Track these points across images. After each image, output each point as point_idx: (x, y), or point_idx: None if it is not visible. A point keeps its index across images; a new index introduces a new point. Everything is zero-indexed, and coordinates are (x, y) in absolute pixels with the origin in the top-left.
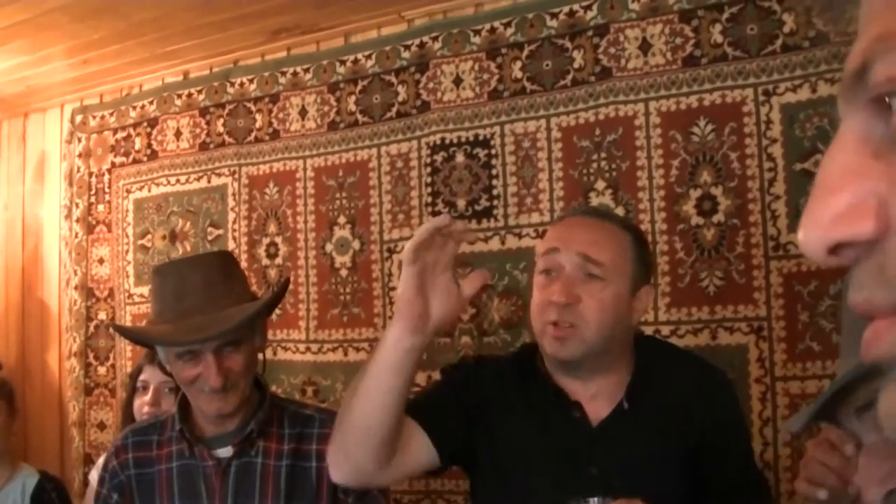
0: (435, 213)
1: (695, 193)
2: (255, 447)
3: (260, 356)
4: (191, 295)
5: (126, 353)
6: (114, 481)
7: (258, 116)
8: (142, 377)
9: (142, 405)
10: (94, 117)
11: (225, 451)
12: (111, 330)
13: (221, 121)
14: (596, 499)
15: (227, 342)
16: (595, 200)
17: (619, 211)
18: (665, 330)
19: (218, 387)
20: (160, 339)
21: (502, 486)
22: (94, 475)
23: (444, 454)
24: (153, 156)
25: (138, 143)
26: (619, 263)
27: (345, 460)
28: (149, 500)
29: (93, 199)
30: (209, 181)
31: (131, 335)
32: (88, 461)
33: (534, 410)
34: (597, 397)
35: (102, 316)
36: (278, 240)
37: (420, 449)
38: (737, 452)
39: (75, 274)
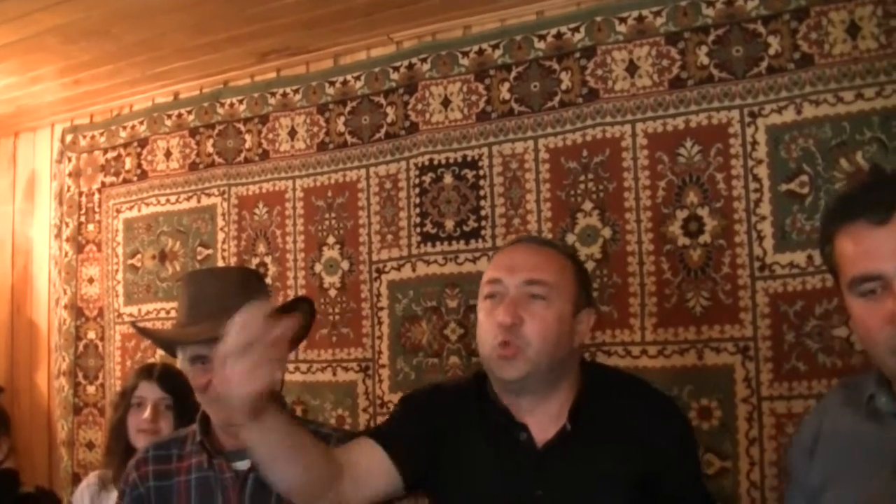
0: (423, 234)
1: (681, 214)
2: None
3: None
4: (204, 303)
5: (115, 373)
6: (133, 493)
7: (248, 137)
8: (137, 393)
9: (138, 422)
10: (85, 137)
11: (243, 465)
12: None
13: (211, 141)
14: None
15: None
16: (582, 221)
17: (607, 231)
18: (652, 350)
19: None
20: (165, 337)
21: None
22: (76, 496)
23: (407, 477)
24: (143, 176)
25: (128, 162)
26: (562, 285)
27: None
28: None
29: (83, 218)
30: (199, 201)
31: (145, 332)
32: (77, 481)
33: (487, 434)
34: (543, 419)
35: (92, 335)
36: (268, 260)
37: (381, 477)
38: (687, 477)
39: (65, 293)
